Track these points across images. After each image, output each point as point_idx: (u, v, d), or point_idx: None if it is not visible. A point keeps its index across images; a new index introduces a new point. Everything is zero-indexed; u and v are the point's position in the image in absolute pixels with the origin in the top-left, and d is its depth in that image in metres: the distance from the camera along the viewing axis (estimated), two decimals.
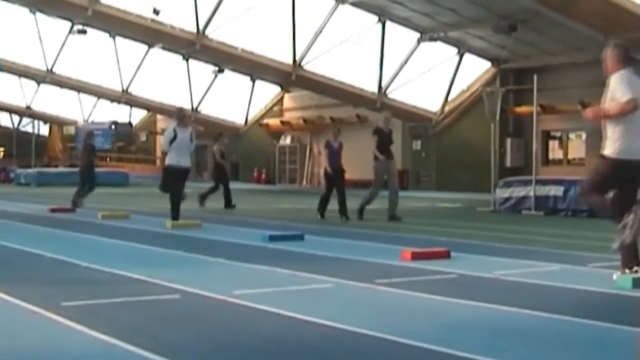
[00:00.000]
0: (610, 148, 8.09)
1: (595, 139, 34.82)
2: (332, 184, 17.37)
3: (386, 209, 17.06)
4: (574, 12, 26.93)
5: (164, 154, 16.02)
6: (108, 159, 59.99)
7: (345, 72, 38.84)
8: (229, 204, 21.16)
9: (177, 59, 43.92)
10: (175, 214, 14.90)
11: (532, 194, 20.00)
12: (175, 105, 49.10)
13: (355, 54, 38.19)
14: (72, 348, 5.22)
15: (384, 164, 16.89)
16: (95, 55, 47.31)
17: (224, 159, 22.70)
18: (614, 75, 8.14)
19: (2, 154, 70.70)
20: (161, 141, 15.76)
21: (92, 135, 22.94)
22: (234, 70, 43.98)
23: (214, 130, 50.76)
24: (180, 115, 15.85)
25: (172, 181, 15.17)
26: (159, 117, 56.87)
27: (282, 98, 48.98)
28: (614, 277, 8.05)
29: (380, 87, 38.47)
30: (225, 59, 40.27)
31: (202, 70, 45.21)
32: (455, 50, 37.08)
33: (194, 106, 48.58)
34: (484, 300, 6.99)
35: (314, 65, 38.38)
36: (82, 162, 22.20)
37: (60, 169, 47.66)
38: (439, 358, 5.06)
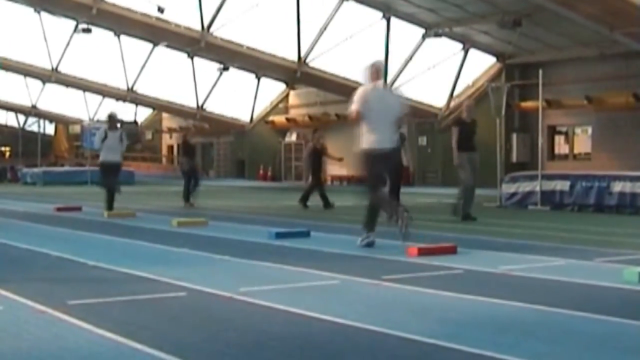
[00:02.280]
0: (363, 143, 10.63)
1: (602, 133, 34.74)
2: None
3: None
4: (578, 7, 26.89)
5: (97, 151, 18.55)
6: None
7: (351, 68, 38.87)
8: (327, 203, 20.30)
9: (182, 57, 44.00)
10: (109, 205, 17.32)
11: (538, 189, 19.99)
12: (180, 103, 49.53)
13: (360, 50, 38.19)
14: (79, 346, 5.22)
15: (466, 157, 15.76)
16: (100, 54, 47.51)
17: (322, 155, 21.62)
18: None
19: (8, 153, 70.84)
20: (95, 140, 18.70)
21: (189, 132, 22.57)
22: (239, 67, 44.02)
23: (219, 127, 50.94)
24: (110, 120, 18.73)
25: (105, 175, 17.81)
26: (164, 115, 56.96)
27: (287, 95, 49.01)
28: None
29: (385, 83, 38.40)
30: (230, 56, 40.31)
31: (207, 68, 45.29)
32: (461, 45, 37.07)
33: (200, 104, 48.62)
34: (491, 296, 6.99)
35: (319, 61, 38.44)
36: (183, 161, 22.25)
37: (66, 168, 47.77)
38: (446, 353, 5.05)
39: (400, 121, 11.65)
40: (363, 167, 10.82)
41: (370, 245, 10.68)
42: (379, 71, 11.05)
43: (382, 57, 37.73)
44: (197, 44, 37.84)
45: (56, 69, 48.64)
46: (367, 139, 10.64)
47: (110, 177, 17.70)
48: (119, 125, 20.54)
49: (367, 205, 10.86)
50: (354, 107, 10.60)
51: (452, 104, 39.08)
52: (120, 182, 18.55)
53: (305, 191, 20.73)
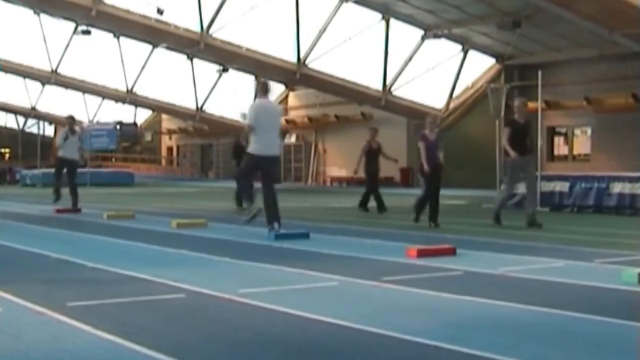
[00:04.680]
0: (251, 148, 12.66)
1: (601, 134, 34.73)
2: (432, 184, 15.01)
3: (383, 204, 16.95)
4: (577, 8, 26.91)
5: (57, 149, 20.24)
6: (113, 159, 60.07)
7: (350, 70, 38.88)
8: (381, 205, 19.12)
9: (182, 58, 44.00)
10: (57, 196, 19.64)
11: (537, 190, 19.96)
12: (180, 105, 49.52)
13: (359, 51, 38.20)
14: (78, 348, 5.22)
15: (518, 160, 14.68)
16: (100, 56, 47.42)
17: (378, 155, 19.60)
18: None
19: (8, 155, 70.86)
20: (57, 139, 21.45)
21: (243, 133, 21.07)
22: (239, 69, 44.03)
23: (219, 129, 50.95)
24: (69, 123, 20.41)
25: (60, 170, 19.69)
26: (164, 116, 57.00)
27: (286, 96, 49.03)
28: None
29: (384, 84, 38.48)
30: (229, 58, 40.31)
31: (206, 69, 45.30)
32: (460, 47, 37.10)
33: (199, 105, 48.61)
34: (490, 297, 6.99)
35: (318, 63, 38.44)
36: (234, 165, 21.01)
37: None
38: (446, 355, 5.05)
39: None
40: (247, 165, 13.00)
41: (273, 229, 12.38)
42: (266, 88, 12.87)
43: (381, 59, 37.80)
44: (197, 45, 37.85)
45: (56, 70, 48.67)
46: (256, 146, 12.58)
47: (66, 173, 19.67)
48: (77, 128, 22.11)
49: (264, 203, 12.57)
50: (247, 122, 12.67)
51: (452, 105, 39.08)
52: (77, 183, 20.27)
53: (364, 195, 19.30)
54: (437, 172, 14.86)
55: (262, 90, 12.82)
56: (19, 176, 44.18)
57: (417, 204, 15.20)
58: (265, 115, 12.56)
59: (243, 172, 13.49)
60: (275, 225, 12.40)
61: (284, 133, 48.51)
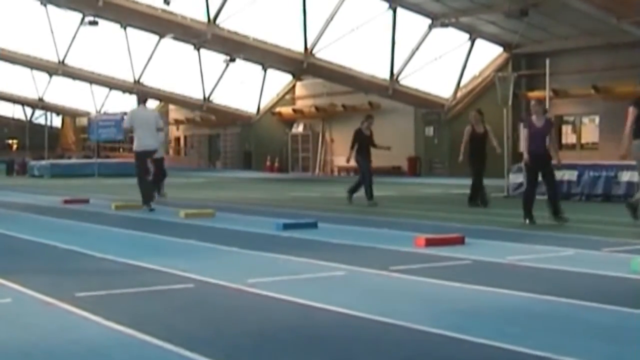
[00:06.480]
0: (135, 146, 16.53)
1: (609, 123, 34.67)
2: (536, 175, 13.47)
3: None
4: None
5: None
6: (121, 150, 60.12)
7: (357, 59, 38.79)
8: (483, 199, 17.53)
9: (189, 48, 43.95)
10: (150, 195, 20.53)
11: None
12: (187, 95, 49.53)
13: (366, 40, 38.12)
14: (87, 338, 5.23)
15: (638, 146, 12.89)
16: (107, 46, 47.40)
17: (485, 141, 17.72)
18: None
19: (15, 146, 70.99)
20: None
21: (367, 120, 18.61)
22: (246, 59, 43.98)
23: (226, 119, 50.95)
24: None
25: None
26: (171, 107, 56.94)
27: (294, 86, 48.98)
28: None
29: (392, 73, 38.39)
30: (236, 48, 40.27)
31: (213, 59, 45.26)
32: (467, 35, 36.99)
33: (206, 95, 48.60)
34: (499, 286, 6.98)
35: (325, 53, 38.37)
36: (357, 156, 18.29)
37: (74, 161, 47.81)
38: (454, 344, 5.05)
39: (160, 130, 17.27)
40: (136, 161, 16.62)
41: (152, 210, 15.74)
42: (143, 98, 17.78)
43: (388, 48, 37.72)
44: (204, 35, 37.80)
45: (63, 61, 48.66)
46: (136, 143, 16.50)
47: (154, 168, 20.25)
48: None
49: (142, 186, 16.25)
50: (124, 124, 17.57)
51: (459, 94, 39.00)
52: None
53: (472, 188, 17.61)
54: (541, 163, 13.26)
55: (140, 99, 17.64)
56: (27, 167, 44.22)
57: (523, 201, 13.38)
58: (139, 120, 16.49)
59: (138, 170, 16.56)
60: (151, 204, 16.07)
61: (290, 123, 48.55)
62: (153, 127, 16.64)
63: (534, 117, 13.46)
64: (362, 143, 18.18)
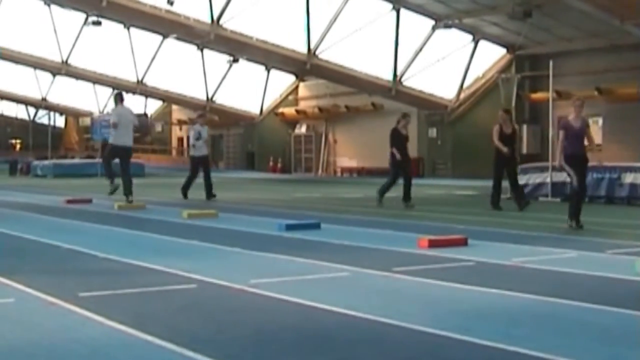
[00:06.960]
0: (113, 139, 17.74)
1: (612, 124, 34.57)
2: (584, 175, 13.02)
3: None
4: None
5: None
6: None
7: (360, 60, 38.77)
8: (520, 199, 17.21)
9: (192, 49, 43.95)
10: (185, 193, 20.46)
11: (548, 180, 19.92)
12: (190, 95, 49.55)
13: (369, 41, 38.10)
14: (90, 338, 5.22)
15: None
16: (110, 47, 47.40)
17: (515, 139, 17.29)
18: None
19: (19, 145, 71.03)
20: None
21: (403, 118, 18.49)
22: (249, 59, 44.00)
23: (229, 120, 50.96)
24: (200, 122, 21.47)
25: (197, 168, 20.87)
26: (174, 107, 56.97)
27: (297, 87, 48.98)
28: None
29: (395, 75, 38.37)
30: (239, 48, 40.27)
31: (216, 60, 45.27)
32: (470, 37, 36.96)
33: (209, 96, 48.62)
34: (502, 288, 6.97)
35: (328, 53, 38.33)
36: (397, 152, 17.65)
37: (77, 160, 47.80)
38: (458, 346, 5.04)
39: (136, 127, 18.48)
40: (108, 154, 18.13)
41: (116, 188, 17.55)
42: (120, 98, 18.32)
43: (391, 49, 37.70)
44: (207, 36, 37.79)
45: (66, 61, 48.70)
46: (116, 138, 17.58)
47: (203, 170, 20.90)
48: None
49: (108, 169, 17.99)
50: (114, 120, 17.68)
51: (463, 95, 38.98)
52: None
53: (512, 188, 17.42)
54: (578, 165, 12.65)
55: (118, 99, 18.22)
56: (30, 167, 44.23)
57: (573, 204, 12.74)
58: (124, 118, 17.61)
59: (106, 158, 18.32)
60: (130, 197, 17.24)
61: (293, 123, 48.54)
62: (131, 125, 17.93)
63: (571, 118, 12.78)
64: (400, 142, 17.80)
